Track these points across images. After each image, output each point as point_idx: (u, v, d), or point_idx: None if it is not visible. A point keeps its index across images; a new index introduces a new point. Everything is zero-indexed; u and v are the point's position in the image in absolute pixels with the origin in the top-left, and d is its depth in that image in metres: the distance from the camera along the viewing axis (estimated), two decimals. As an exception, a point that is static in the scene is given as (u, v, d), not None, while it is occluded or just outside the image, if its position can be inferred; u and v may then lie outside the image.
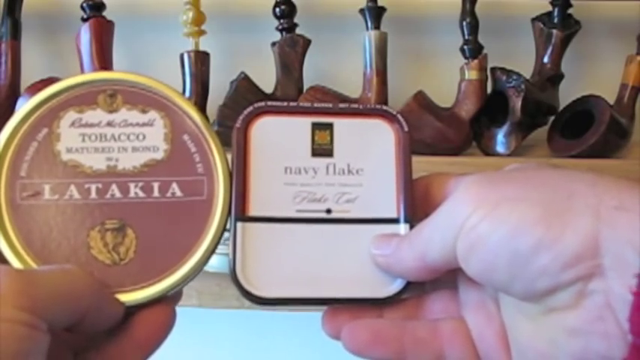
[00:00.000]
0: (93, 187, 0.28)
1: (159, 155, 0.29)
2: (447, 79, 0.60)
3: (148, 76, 0.30)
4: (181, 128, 0.30)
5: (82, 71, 0.58)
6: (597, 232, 0.22)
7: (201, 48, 0.58)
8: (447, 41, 0.62)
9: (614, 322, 0.22)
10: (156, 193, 0.29)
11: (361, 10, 0.58)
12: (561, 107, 0.60)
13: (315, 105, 0.31)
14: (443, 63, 0.65)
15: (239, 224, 0.29)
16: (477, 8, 0.58)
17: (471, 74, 0.58)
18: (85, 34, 0.57)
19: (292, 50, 0.59)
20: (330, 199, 0.30)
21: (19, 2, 0.60)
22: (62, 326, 0.25)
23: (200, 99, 0.58)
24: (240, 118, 0.31)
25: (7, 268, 0.24)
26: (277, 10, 0.58)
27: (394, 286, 0.29)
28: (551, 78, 0.59)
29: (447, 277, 0.30)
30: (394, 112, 0.32)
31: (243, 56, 0.66)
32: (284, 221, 0.29)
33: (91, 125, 0.29)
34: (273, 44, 0.59)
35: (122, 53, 0.61)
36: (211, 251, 0.29)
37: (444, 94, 0.59)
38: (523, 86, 0.56)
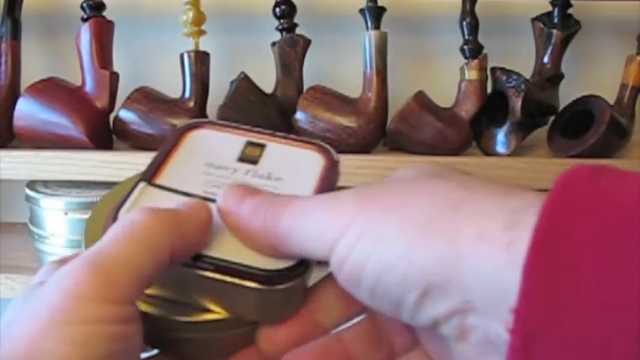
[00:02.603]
0: None
1: None
2: (447, 79, 0.60)
3: None
4: None
5: (82, 71, 0.58)
6: (456, 263, 0.20)
7: (201, 48, 0.58)
8: (447, 41, 0.62)
9: (500, 358, 0.20)
10: None
11: (361, 10, 0.58)
12: (561, 107, 0.60)
13: (255, 128, 0.32)
14: (443, 63, 0.65)
15: (141, 184, 0.28)
16: (477, 8, 0.58)
17: (471, 74, 0.58)
18: (85, 34, 0.57)
19: (292, 50, 0.58)
20: None
21: (19, 2, 0.60)
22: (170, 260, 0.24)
23: (200, 99, 0.58)
24: (180, 125, 0.32)
25: (77, 260, 0.22)
26: (277, 10, 0.58)
27: (284, 263, 0.26)
28: (551, 78, 0.59)
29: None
30: (327, 146, 0.31)
31: (243, 56, 0.66)
32: (187, 195, 0.28)
33: None
34: (273, 44, 0.59)
35: (122, 53, 0.61)
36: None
37: (444, 94, 0.59)
38: (523, 86, 0.56)
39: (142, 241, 0.23)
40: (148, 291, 0.25)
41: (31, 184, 0.61)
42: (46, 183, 0.61)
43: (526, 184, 0.54)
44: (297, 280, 0.26)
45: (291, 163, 0.30)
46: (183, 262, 0.25)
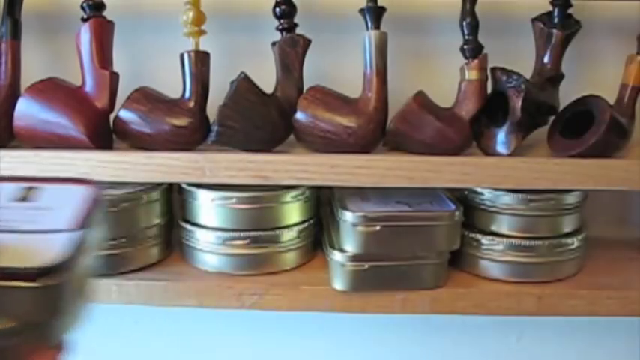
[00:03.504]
0: None
1: None
2: (447, 79, 0.60)
3: None
4: None
5: (82, 71, 0.58)
6: None
7: (201, 48, 0.58)
8: (447, 41, 0.62)
9: None
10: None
11: (361, 10, 0.58)
12: (561, 107, 0.60)
13: (30, 176, 0.36)
14: (443, 63, 0.65)
15: None
16: (477, 8, 0.58)
17: (471, 74, 0.58)
18: (85, 34, 0.57)
19: (292, 50, 0.59)
20: (2, 221, 0.32)
21: (19, 2, 0.60)
22: None
23: (200, 99, 0.58)
24: None
25: None
26: (277, 10, 0.59)
27: (51, 261, 0.28)
28: (551, 78, 0.59)
29: None
30: (89, 179, 0.36)
31: (243, 56, 0.66)
32: None
33: None
34: (273, 44, 0.59)
35: (122, 53, 0.61)
36: None
37: (444, 94, 0.60)
38: (523, 86, 0.56)
39: None
40: None
41: (31, 184, 0.61)
42: (46, 183, 0.61)
43: (526, 184, 0.54)
44: (63, 275, 0.28)
45: (59, 197, 0.35)
46: None
